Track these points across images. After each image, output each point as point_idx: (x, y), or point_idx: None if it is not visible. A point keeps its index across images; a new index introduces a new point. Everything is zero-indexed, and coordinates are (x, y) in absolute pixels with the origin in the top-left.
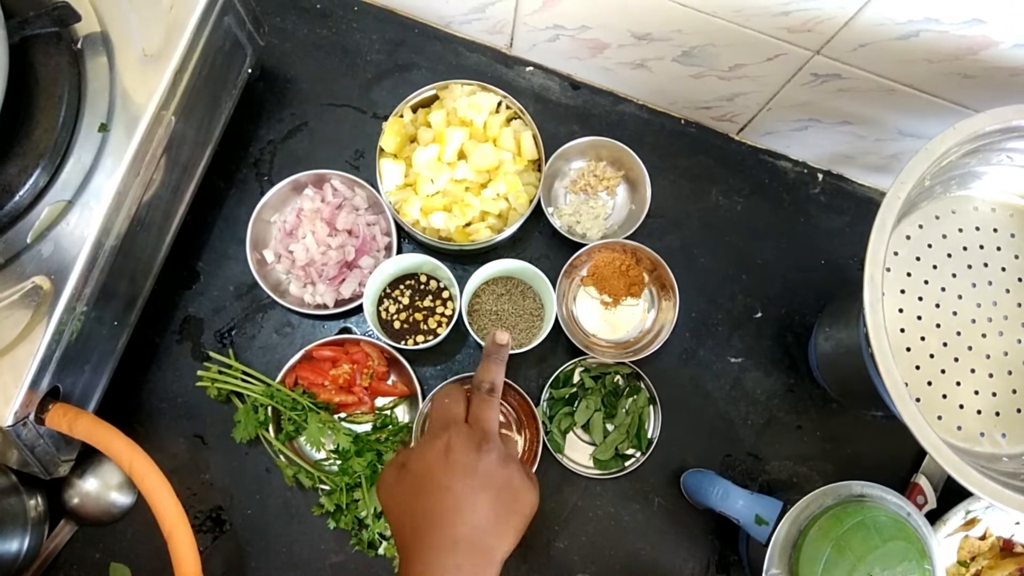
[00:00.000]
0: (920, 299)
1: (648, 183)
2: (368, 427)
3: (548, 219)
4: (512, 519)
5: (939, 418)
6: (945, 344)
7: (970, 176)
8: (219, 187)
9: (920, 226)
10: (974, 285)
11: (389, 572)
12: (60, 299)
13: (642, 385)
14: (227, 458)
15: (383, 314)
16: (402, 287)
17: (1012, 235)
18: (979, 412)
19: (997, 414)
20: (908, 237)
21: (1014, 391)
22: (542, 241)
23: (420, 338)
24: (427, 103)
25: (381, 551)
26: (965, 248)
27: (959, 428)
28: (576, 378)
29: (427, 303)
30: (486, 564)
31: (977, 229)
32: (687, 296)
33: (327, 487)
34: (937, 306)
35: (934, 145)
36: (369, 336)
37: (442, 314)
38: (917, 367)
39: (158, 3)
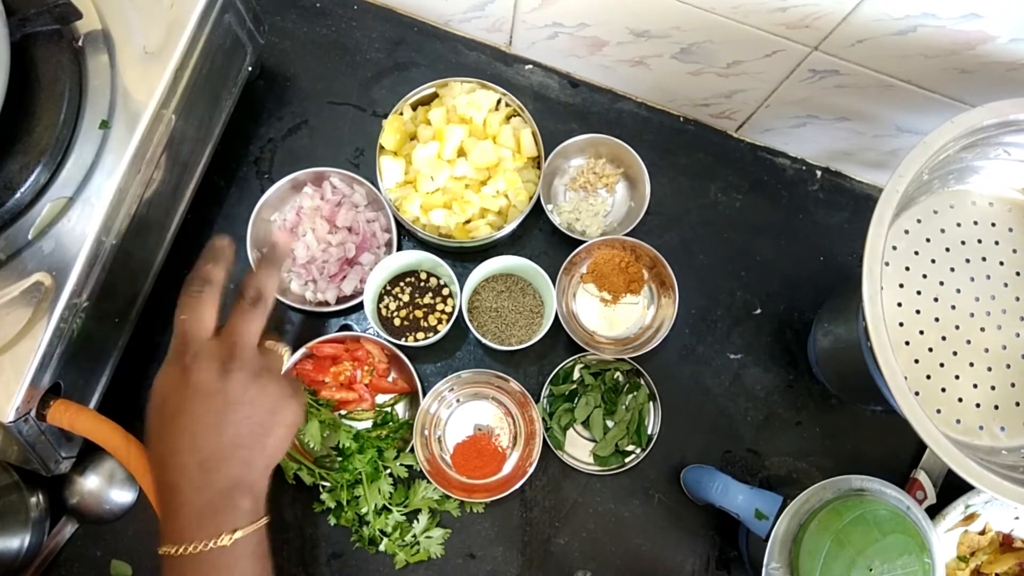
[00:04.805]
0: (918, 293)
1: (647, 180)
2: (368, 424)
3: (548, 216)
4: (272, 432)
5: (938, 412)
6: (944, 338)
7: (968, 171)
8: (219, 185)
9: (918, 220)
10: (972, 279)
11: (390, 569)
12: (61, 296)
13: (642, 381)
14: None
15: (383, 311)
16: (402, 284)
17: (1010, 229)
18: (978, 405)
19: (996, 407)
20: (906, 232)
21: (1012, 384)
22: (542, 238)
23: (420, 335)
24: (427, 101)
25: (382, 547)
26: (963, 243)
27: (958, 421)
28: (576, 375)
29: (427, 300)
30: (245, 476)
31: (975, 224)
32: (686, 293)
33: (328, 484)
34: (935, 300)
35: (932, 139)
36: (369, 333)
37: (442, 311)
38: (916, 361)
39: (159, 1)
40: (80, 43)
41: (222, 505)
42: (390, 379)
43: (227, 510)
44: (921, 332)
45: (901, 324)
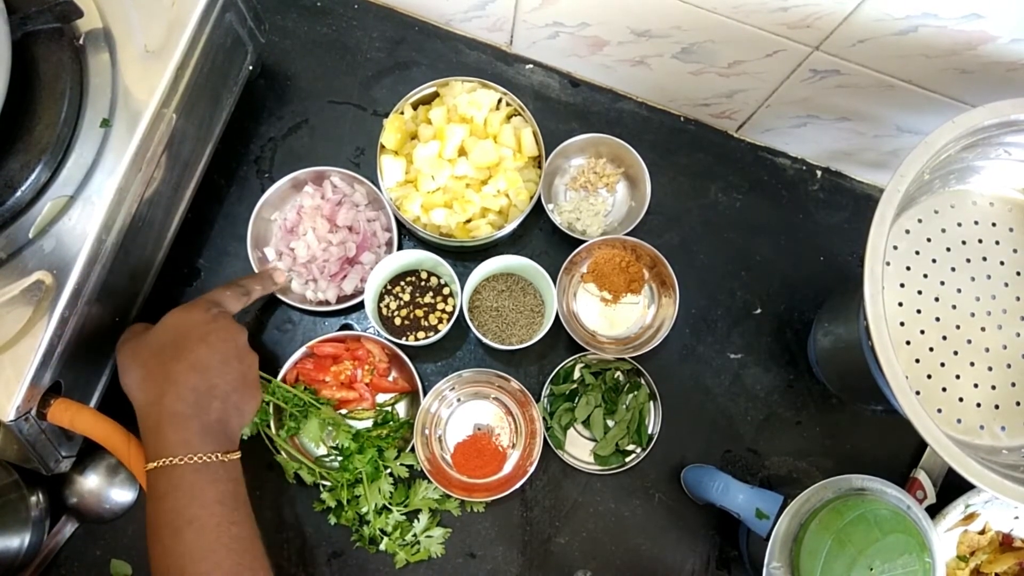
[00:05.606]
0: (919, 293)
1: (648, 180)
2: (369, 423)
3: (548, 216)
4: (253, 396)
5: (939, 411)
6: (944, 338)
7: (968, 170)
8: (220, 184)
9: (919, 220)
10: (973, 279)
11: (390, 568)
12: (62, 295)
13: (642, 381)
14: None
15: (384, 310)
16: (403, 283)
17: (1011, 229)
18: (978, 405)
19: (996, 407)
20: (907, 231)
21: (1013, 384)
22: (542, 238)
23: (421, 334)
24: (428, 100)
25: (382, 547)
26: (964, 242)
27: (959, 421)
28: (576, 374)
29: (428, 299)
30: (231, 418)
31: (976, 223)
32: (687, 292)
33: (328, 483)
34: (936, 300)
35: (933, 139)
36: (370, 332)
37: (443, 310)
38: (917, 360)
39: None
40: (81, 41)
41: (212, 425)
42: (390, 378)
43: (216, 434)
44: (922, 332)
45: (902, 324)
